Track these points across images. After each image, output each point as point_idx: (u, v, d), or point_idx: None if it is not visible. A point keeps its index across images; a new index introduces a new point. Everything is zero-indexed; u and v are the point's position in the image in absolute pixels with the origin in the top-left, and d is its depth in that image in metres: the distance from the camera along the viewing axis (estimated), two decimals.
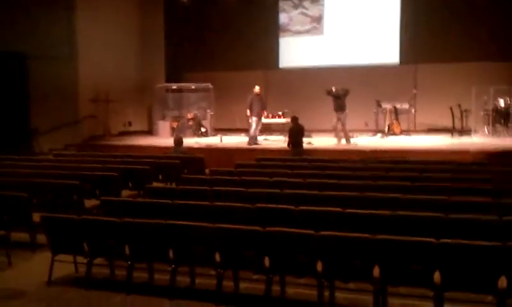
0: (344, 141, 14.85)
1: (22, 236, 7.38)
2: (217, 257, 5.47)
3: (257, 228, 5.35)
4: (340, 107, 14.73)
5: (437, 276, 4.58)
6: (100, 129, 18.18)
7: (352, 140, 15.00)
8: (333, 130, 14.96)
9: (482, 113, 15.57)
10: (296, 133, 13.22)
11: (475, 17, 16.90)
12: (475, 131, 15.65)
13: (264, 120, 16.72)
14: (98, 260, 6.19)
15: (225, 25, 19.78)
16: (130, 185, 9.70)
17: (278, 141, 15.56)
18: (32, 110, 17.39)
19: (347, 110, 14.74)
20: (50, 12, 17.04)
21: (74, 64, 17.41)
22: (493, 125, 15.30)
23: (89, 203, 8.30)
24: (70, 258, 6.36)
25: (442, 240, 4.60)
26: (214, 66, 19.71)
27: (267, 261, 5.27)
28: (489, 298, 4.59)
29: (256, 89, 15.40)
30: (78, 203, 8.18)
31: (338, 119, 14.74)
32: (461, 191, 6.99)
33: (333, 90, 14.91)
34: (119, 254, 5.93)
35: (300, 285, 5.59)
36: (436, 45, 17.52)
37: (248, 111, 15.33)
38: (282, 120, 17.00)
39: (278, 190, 7.36)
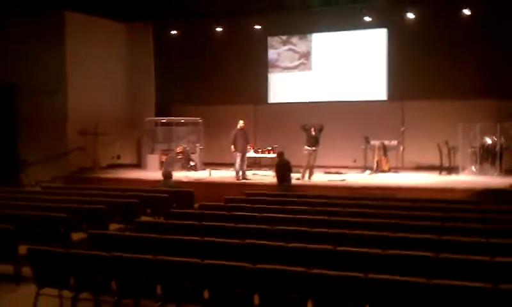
0: (307, 177, 14.92)
1: (7, 268, 7.25)
2: (206, 294, 5.38)
3: (247, 264, 5.28)
4: (315, 142, 14.84)
5: None
6: (89, 162, 18.08)
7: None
8: (307, 166, 14.97)
9: (469, 151, 15.67)
10: (281, 168, 13.23)
11: (460, 55, 17.14)
12: (463, 169, 15.74)
13: (253, 155, 16.71)
14: (83, 295, 6.07)
15: (215, 60, 19.94)
16: (118, 218, 9.59)
17: (268, 176, 15.56)
18: (20, 142, 17.33)
19: (319, 147, 14.92)
20: (40, 45, 17.11)
21: (63, 96, 17.47)
22: (481, 163, 15.39)
23: (76, 236, 8.19)
24: (55, 291, 6.23)
25: (434, 281, 4.57)
26: (204, 100, 19.80)
27: (256, 299, 5.19)
28: None
29: (241, 123, 15.39)
30: (65, 236, 8.07)
31: (310, 154, 14.84)
32: (451, 230, 6.98)
33: (307, 126, 15.01)
34: (105, 289, 5.82)
35: None
36: (422, 82, 17.68)
37: (233, 147, 15.30)
38: (272, 155, 17.01)
39: (268, 226, 7.30)
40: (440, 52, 17.44)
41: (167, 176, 12.53)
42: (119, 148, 19.52)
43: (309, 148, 14.88)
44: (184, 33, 19.85)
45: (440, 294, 4.54)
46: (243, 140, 15.38)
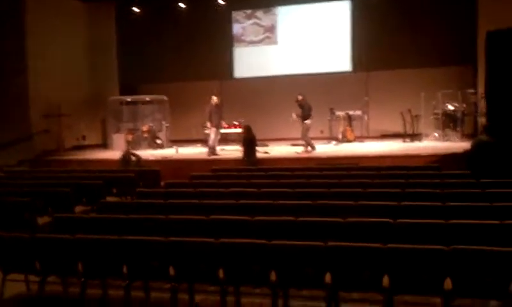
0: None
1: None
2: (172, 271, 5.45)
3: (211, 239, 5.37)
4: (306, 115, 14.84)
5: (386, 280, 4.69)
6: (54, 144, 17.85)
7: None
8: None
9: (432, 118, 16.01)
10: (248, 142, 13.27)
11: (421, 26, 17.43)
12: (426, 135, 16.08)
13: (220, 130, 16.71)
14: (51, 278, 6.09)
15: (179, 36, 19.77)
16: (84, 200, 9.56)
17: (235, 151, 15.60)
18: None
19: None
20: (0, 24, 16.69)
21: (25, 77, 17.07)
22: (443, 129, 15.74)
23: (42, 220, 8.15)
24: (21, 277, 6.23)
25: (390, 245, 4.72)
26: (170, 77, 19.68)
27: (221, 273, 5.29)
28: (436, 300, 4.72)
29: (214, 99, 15.33)
30: (30, 221, 8.02)
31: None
32: (411, 196, 7.17)
33: (299, 98, 14.94)
34: (72, 271, 5.84)
35: (255, 295, 5.63)
36: (385, 53, 17.94)
37: (209, 123, 15.23)
38: (239, 130, 17.05)
39: (233, 201, 7.39)
40: (402, 22, 17.65)
41: (124, 160, 12.25)
42: (85, 128, 19.31)
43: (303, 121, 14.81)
44: (147, 10, 19.62)
45: (395, 258, 4.71)
46: (217, 116, 15.32)
